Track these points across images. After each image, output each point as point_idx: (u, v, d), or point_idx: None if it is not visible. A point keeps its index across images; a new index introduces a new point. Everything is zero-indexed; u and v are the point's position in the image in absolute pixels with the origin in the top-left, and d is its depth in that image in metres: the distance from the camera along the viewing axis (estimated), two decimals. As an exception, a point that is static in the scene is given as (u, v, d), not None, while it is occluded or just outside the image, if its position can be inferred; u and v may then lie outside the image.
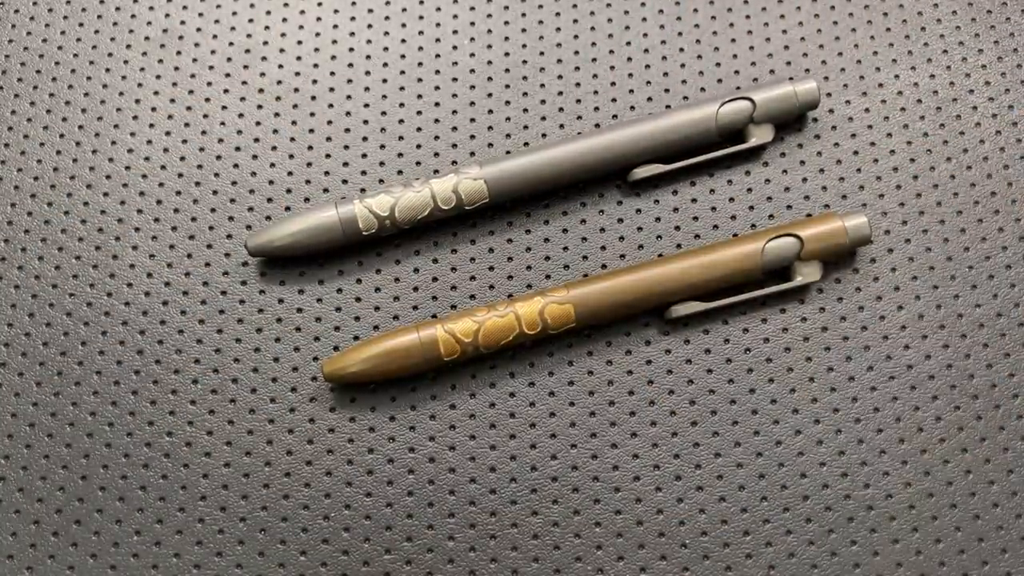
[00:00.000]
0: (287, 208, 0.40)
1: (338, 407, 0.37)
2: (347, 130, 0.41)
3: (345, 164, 0.41)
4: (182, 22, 0.43)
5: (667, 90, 0.42)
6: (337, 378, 0.36)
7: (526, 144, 0.42)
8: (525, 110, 0.42)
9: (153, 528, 0.36)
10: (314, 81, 0.42)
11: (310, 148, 0.41)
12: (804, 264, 0.38)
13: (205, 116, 0.42)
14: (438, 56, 0.43)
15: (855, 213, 0.38)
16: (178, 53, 0.43)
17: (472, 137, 0.42)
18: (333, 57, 0.43)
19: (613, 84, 0.42)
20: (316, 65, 0.43)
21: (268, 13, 0.44)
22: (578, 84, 0.42)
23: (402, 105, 0.42)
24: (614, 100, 0.42)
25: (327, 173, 0.41)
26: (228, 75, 0.42)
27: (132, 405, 0.37)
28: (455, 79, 0.43)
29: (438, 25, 0.43)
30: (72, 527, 0.36)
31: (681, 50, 0.43)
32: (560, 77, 0.43)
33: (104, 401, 0.37)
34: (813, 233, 0.38)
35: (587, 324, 0.37)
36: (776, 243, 0.38)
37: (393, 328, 0.38)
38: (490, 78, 0.43)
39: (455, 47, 0.43)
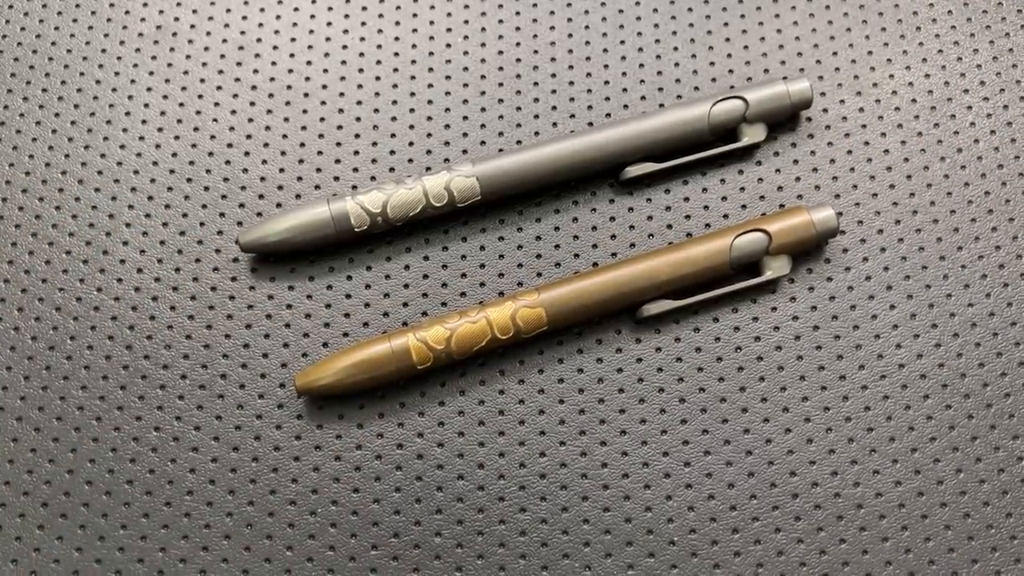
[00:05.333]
0: (278, 205, 0.40)
1: (325, 404, 0.37)
2: (339, 127, 0.41)
3: (337, 161, 0.41)
4: (176, 19, 0.43)
5: (660, 89, 0.42)
6: (309, 391, 0.36)
7: (519, 142, 0.41)
8: (518, 108, 0.42)
9: (139, 522, 0.35)
10: (307, 78, 0.42)
11: (302, 145, 0.41)
12: (773, 259, 0.38)
13: (198, 112, 0.42)
14: (431, 54, 0.43)
15: (822, 206, 0.38)
16: (171, 50, 0.43)
17: (465, 135, 0.41)
18: (326, 54, 0.43)
19: (607, 83, 0.42)
20: (309, 62, 0.43)
21: (262, 10, 0.44)
22: (571, 83, 0.42)
23: (395, 102, 0.42)
24: (607, 98, 0.42)
25: (319, 170, 0.41)
26: (221, 72, 0.42)
27: (120, 400, 0.37)
28: (448, 76, 0.42)
29: (431, 23, 0.43)
30: (58, 521, 0.35)
31: (675, 49, 0.43)
32: (553, 75, 0.42)
33: (92, 396, 0.37)
34: (781, 228, 0.38)
35: (560, 327, 0.37)
36: (744, 239, 0.38)
37: (384, 324, 0.38)
38: (483, 76, 0.42)
39: (448, 45, 0.43)
